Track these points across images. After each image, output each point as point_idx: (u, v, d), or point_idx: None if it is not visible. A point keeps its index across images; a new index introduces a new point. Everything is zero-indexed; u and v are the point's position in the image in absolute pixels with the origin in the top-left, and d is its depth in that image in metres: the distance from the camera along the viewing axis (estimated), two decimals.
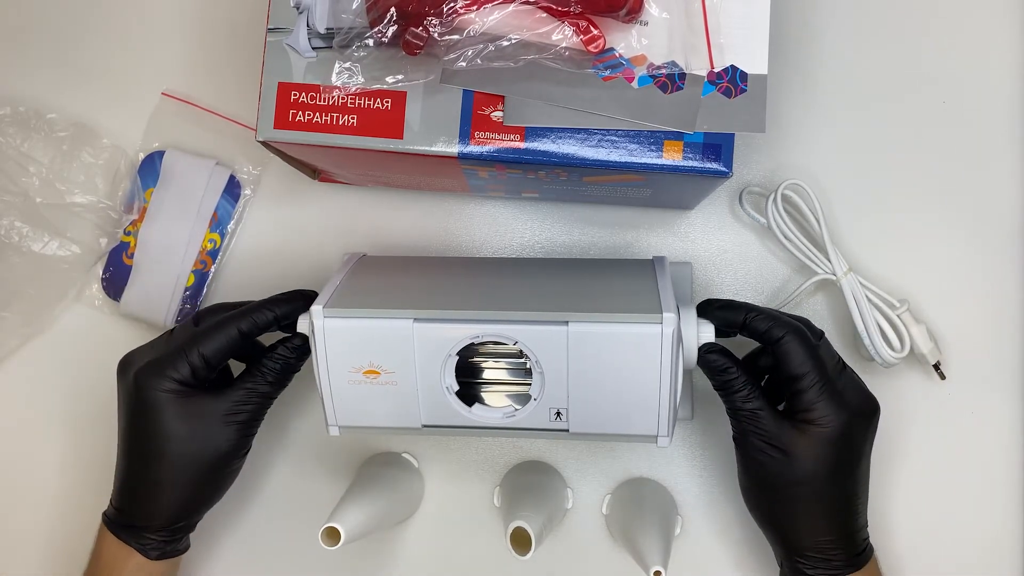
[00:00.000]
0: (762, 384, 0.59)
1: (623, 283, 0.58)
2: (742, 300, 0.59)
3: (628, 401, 0.53)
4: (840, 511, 0.55)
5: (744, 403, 0.55)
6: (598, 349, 0.52)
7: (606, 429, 0.54)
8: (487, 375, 0.58)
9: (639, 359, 0.52)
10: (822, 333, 0.57)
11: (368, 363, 0.53)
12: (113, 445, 0.56)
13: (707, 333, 0.56)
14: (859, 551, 0.55)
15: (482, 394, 0.57)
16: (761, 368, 0.59)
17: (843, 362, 0.57)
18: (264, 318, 0.57)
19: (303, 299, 0.58)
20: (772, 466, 0.54)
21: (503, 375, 0.58)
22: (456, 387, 0.54)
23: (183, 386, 0.55)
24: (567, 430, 0.54)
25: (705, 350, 0.55)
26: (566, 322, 0.52)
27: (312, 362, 0.54)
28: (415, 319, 0.53)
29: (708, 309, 0.57)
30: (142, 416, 0.55)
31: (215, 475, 0.57)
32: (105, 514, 0.58)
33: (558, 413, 0.54)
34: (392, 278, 0.60)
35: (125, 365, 0.57)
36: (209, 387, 0.56)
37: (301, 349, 0.57)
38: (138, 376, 0.55)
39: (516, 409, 0.54)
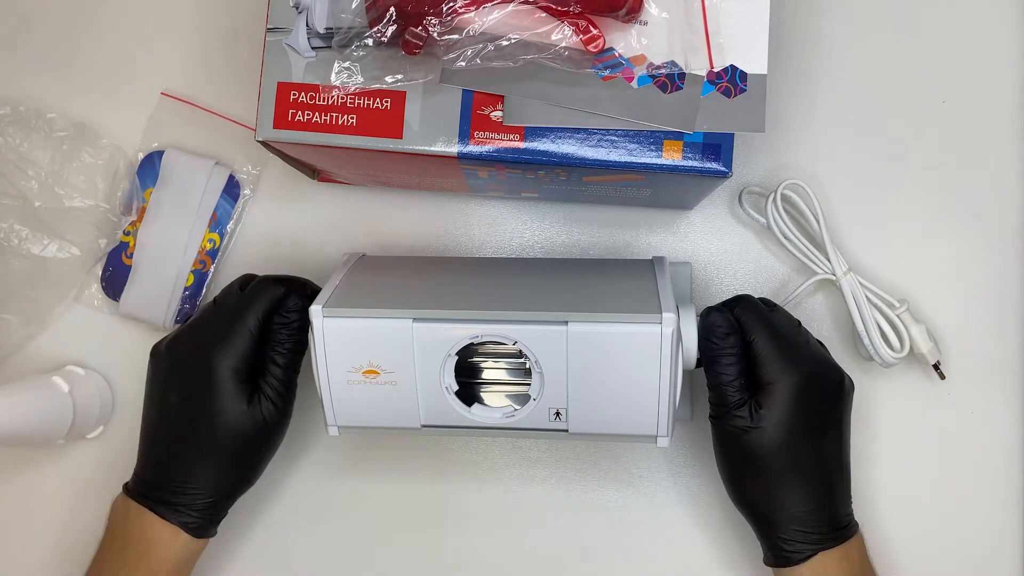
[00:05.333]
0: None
1: (623, 283, 0.57)
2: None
3: (628, 401, 0.53)
4: (812, 480, 0.54)
5: (725, 371, 0.55)
6: (597, 349, 0.52)
7: (606, 429, 0.54)
8: (487, 375, 0.58)
9: (639, 359, 0.52)
10: (775, 304, 0.58)
11: (367, 363, 0.53)
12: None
13: None
14: (840, 525, 0.55)
15: (482, 394, 0.57)
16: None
17: (807, 333, 0.57)
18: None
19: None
20: (742, 439, 0.54)
21: (503, 375, 0.58)
22: (455, 387, 0.54)
23: (243, 362, 0.56)
24: (566, 430, 0.54)
25: (707, 312, 0.56)
26: (565, 322, 0.52)
27: (311, 362, 0.54)
28: (414, 319, 0.53)
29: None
30: (204, 392, 0.56)
31: (259, 451, 0.58)
32: (135, 493, 0.57)
33: (557, 413, 0.54)
34: (392, 278, 0.60)
35: (177, 341, 0.58)
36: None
37: (300, 310, 0.57)
38: (209, 353, 0.56)
39: (516, 409, 0.54)
